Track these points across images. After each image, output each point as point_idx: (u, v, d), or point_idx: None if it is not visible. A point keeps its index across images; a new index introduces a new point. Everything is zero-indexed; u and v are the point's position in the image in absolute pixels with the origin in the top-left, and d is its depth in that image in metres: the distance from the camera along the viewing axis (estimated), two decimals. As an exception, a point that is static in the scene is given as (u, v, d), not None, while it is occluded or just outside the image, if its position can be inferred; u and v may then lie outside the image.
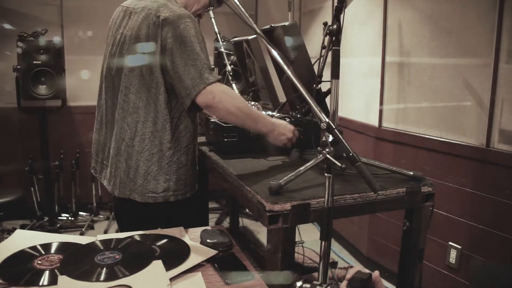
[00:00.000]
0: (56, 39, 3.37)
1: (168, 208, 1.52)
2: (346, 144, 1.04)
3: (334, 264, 2.13)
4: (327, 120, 1.07)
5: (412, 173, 1.44)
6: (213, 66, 3.74)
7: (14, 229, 2.23)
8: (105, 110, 1.59)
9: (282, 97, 2.02)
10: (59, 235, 1.27)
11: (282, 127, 1.58)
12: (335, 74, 1.28)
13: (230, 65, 2.31)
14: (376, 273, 1.00)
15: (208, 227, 1.34)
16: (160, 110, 1.45)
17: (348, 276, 0.98)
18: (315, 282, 0.99)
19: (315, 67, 1.55)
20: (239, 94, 1.49)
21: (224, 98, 1.40)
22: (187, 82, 1.38)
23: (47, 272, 1.00)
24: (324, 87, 1.51)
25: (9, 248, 1.12)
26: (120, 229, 1.74)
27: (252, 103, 1.86)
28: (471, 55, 2.18)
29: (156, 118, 1.45)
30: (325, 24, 1.29)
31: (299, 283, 1.02)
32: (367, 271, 1.00)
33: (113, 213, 3.74)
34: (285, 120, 1.87)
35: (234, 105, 1.42)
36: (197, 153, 1.66)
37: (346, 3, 3.15)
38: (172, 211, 1.54)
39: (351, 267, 2.05)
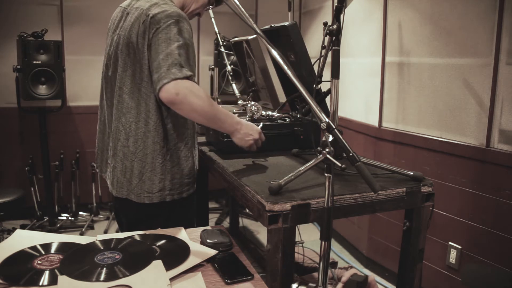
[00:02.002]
0: (56, 39, 3.37)
1: (165, 208, 1.52)
2: (346, 144, 1.04)
3: (334, 264, 2.13)
4: (327, 120, 1.07)
5: (412, 173, 1.44)
6: (213, 66, 3.74)
7: (14, 229, 2.23)
8: (106, 110, 1.60)
9: (282, 97, 2.02)
10: (59, 235, 1.27)
11: (249, 127, 1.52)
12: (335, 74, 1.28)
13: (230, 65, 2.32)
14: (371, 277, 1.00)
15: (208, 227, 1.34)
16: (151, 109, 1.44)
17: (344, 278, 0.98)
18: (310, 284, 0.99)
19: (315, 67, 1.55)
20: (206, 93, 1.39)
21: (189, 95, 1.31)
22: (154, 77, 1.35)
23: (47, 272, 1.00)
24: (324, 87, 1.51)
25: (9, 248, 1.12)
26: (120, 229, 1.74)
27: (252, 103, 1.86)
28: (471, 55, 2.18)
29: (148, 118, 1.45)
30: (325, 24, 1.28)
31: (294, 285, 1.02)
32: (363, 274, 1.00)
33: (113, 213, 3.74)
34: (285, 120, 1.88)
35: (199, 104, 1.33)
36: (197, 152, 1.66)
37: (346, 3, 3.15)
38: (170, 211, 1.53)
39: (351, 267, 2.06)
